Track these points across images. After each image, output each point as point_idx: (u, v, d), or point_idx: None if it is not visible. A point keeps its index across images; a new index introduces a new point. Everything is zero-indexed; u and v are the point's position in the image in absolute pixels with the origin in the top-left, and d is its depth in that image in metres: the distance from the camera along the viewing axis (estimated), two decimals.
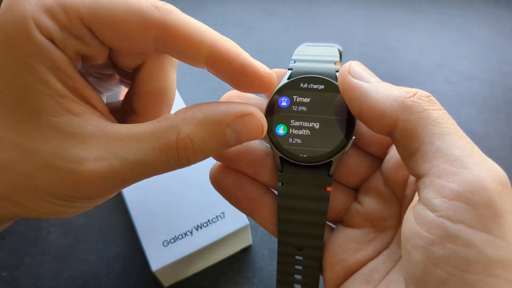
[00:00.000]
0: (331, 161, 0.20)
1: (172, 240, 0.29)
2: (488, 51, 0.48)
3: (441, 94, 0.44)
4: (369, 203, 0.21)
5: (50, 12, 0.15)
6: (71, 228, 0.35)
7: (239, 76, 0.18)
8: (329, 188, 0.20)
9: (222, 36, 0.18)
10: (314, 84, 0.20)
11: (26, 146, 0.15)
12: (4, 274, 0.32)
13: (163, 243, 0.29)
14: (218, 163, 0.22)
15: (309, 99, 0.20)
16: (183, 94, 0.39)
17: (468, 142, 0.15)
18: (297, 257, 0.21)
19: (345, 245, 0.21)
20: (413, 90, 0.17)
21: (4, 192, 0.15)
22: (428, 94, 0.17)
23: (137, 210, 0.31)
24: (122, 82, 0.23)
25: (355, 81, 0.18)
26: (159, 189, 0.32)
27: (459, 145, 0.15)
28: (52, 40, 0.15)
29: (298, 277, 0.22)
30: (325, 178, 0.20)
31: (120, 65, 0.20)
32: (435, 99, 0.17)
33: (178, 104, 0.38)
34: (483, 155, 0.15)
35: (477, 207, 0.14)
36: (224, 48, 0.17)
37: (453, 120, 0.16)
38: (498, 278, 0.13)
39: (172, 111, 0.40)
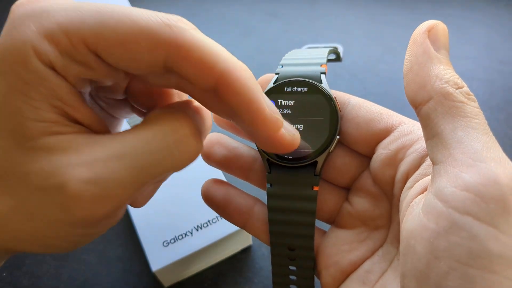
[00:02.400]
0: (316, 161, 0.20)
1: (172, 241, 0.29)
2: (488, 51, 0.48)
3: None
4: (359, 203, 0.21)
5: (51, 37, 0.14)
6: None
7: (242, 113, 0.16)
8: (316, 188, 0.20)
9: (239, 61, 0.16)
10: (297, 87, 0.21)
11: (18, 171, 0.14)
12: (4, 274, 0.32)
13: (163, 243, 0.29)
14: (208, 180, 0.23)
15: (293, 101, 0.21)
16: None
17: (491, 140, 0.15)
18: (290, 258, 0.21)
19: (338, 246, 0.21)
20: (462, 83, 0.17)
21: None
22: (471, 93, 0.17)
23: (137, 210, 0.31)
24: (134, 109, 0.21)
25: (427, 41, 0.17)
26: (159, 189, 0.32)
27: (481, 140, 0.15)
28: (52, 67, 0.15)
29: (293, 277, 0.22)
30: (312, 178, 0.20)
31: (135, 103, 0.19)
32: (475, 99, 0.17)
33: None
34: (504, 154, 0.15)
35: (486, 200, 0.14)
36: (237, 77, 0.15)
37: (485, 120, 0.16)
38: (498, 275, 0.13)
39: None
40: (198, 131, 0.17)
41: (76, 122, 0.16)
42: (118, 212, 0.16)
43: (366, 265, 0.20)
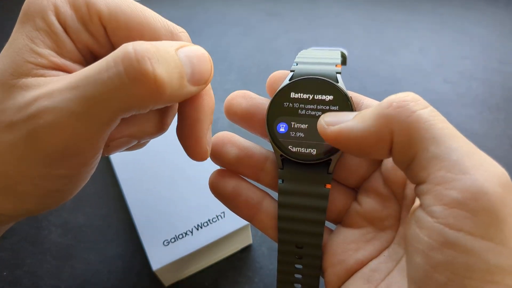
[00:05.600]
0: (330, 159, 0.20)
1: (173, 240, 0.29)
2: (488, 51, 0.49)
3: (441, 94, 0.44)
4: (368, 203, 0.21)
5: (73, 2, 0.17)
6: (72, 228, 0.35)
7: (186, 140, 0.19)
8: (328, 185, 0.20)
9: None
10: (314, 85, 0.21)
11: None
12: (4, 273, 0.32)
13: (163, 242, 0.29)
14: (216, 170, 0.22)
15: (309, 99, 0.21)
16: None
17: (464, 143, 0.15)
18: (297, 256, 0.21)
19: (344, 245, 0.21)
20: (391, 97, 0.16)
21: None
22: (407, 93, 0.16)
23: (137, 210, 0.31)
24: None
25: (336, 127, 0.17)
26: (159, 188, 0.32)
27: (455, 147, 0.14)
28: (65, 28, 0.17)
29: (298, 276, 0.22)
30: (325, 175, 0.20)
31: None
32: (417, 96, 0.16)
33: None
34: (482, 154, 0.15)
35: (478, 213, 0.13)
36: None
37: (443, 117, 0.16)
38: (498, 284, 0.13)
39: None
40: (167, 65, 0.15)
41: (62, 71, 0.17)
42: (82, 149, 0.15)
43: (372, 264, 0.20)
